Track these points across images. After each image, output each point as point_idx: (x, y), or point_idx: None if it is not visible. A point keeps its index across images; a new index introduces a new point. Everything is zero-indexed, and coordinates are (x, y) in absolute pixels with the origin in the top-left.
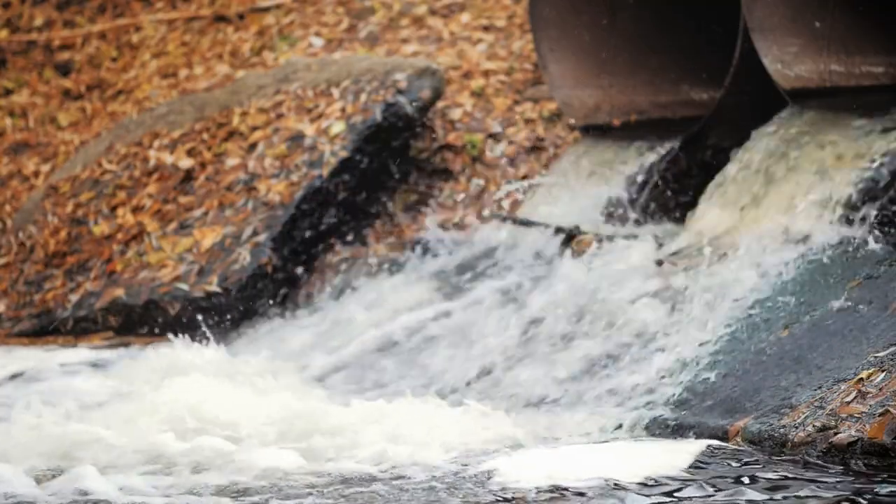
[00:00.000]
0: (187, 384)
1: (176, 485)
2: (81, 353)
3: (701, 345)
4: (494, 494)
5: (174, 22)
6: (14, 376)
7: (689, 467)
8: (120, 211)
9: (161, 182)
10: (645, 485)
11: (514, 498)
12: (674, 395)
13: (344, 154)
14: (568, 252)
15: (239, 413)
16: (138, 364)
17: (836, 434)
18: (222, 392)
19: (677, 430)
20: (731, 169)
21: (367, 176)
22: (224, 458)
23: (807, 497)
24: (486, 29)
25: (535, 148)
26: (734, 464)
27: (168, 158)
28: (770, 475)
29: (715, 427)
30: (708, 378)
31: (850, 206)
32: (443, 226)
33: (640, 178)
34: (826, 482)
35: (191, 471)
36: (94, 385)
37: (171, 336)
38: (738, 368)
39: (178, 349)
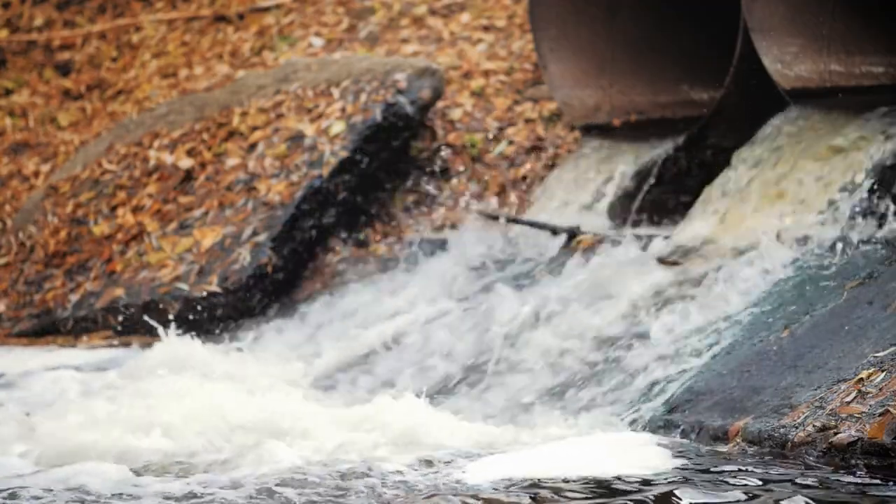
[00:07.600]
0: (184, 384)
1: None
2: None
3: (700, 345)
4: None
5: (174, 22)
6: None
7: (689, 467)
8: (120, 211)
9: (161, 182)
10: (641, 484)
11: (508, 498)
12: (673, 394)
13: (344, 154)
14: (568, 252)
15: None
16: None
17: (836, 434)
18: (220, 392)
19: (677, 430)
20: (731, 169)
21: (367, 176)
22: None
23: (807, 498)
24: (486, 29)
25: (535, 148)
26: (733, 464)
27: (168, 158)
28: (770, 475)
29: (715, 427)
30: (708, 378)
31: (850, 206)
32: (442, 226)
33: (640, 178)
34: (826, 482)
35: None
36: None
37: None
38: (738, 368)
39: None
